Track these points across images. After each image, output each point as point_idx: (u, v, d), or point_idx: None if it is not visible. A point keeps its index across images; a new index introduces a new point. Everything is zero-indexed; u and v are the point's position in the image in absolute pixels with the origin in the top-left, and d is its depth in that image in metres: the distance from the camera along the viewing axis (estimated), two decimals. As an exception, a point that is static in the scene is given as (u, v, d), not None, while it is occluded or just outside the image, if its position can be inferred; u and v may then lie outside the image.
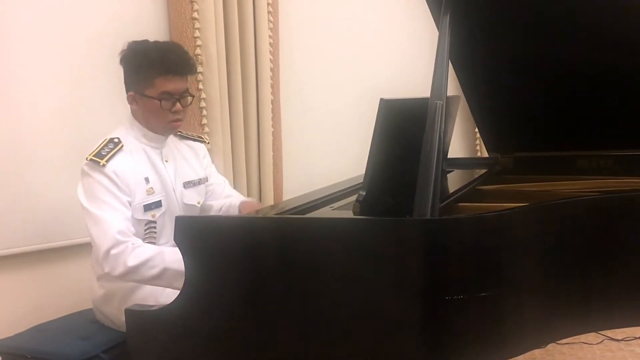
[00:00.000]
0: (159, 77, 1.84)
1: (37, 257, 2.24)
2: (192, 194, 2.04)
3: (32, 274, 2.24)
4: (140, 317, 1.53)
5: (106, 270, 1.73)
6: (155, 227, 1.91)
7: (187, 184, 2.03)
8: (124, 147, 1.85)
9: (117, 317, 1.88)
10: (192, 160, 2.09)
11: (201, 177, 2.09)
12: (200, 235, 1.48)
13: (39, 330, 1.97)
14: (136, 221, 1.84)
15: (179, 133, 2.09)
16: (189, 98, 1.94)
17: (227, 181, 2.23)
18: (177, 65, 1.86)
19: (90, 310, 2.04)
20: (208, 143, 2.25)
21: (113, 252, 1.71)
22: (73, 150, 2.22)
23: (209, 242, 1.47)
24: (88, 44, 2.30)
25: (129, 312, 1.54)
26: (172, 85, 1.86)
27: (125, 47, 1.90)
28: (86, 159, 1.79)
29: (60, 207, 2.24)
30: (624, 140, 2.20)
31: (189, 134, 2.16)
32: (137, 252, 1.72)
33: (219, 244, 1.46)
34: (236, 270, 1.44)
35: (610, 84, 2.05)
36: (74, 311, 2.11)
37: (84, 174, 1.81)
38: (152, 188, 1.89)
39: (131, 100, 1.90)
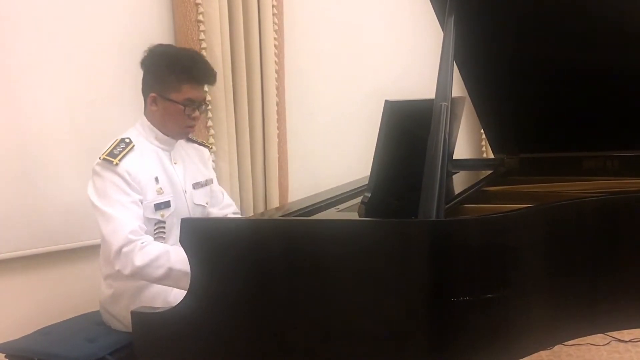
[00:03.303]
0: (187, 84, 1.89)
1: (44, 260, 2.24)
2: (201, 194, 2.07)
3: (39, 276, 2.25)
4: (146, 319, 1.54)
5: (117, 268, 1.75)
6: (164, 227, 1.93)
7: (196, 185, 2.05)
8: (134, 147, 1.87)
9: (124, 316, 1.88)
10: (199, 163, 2.12)
11: (207, 179, 2.12)
12: (206, 237, 1.49)
13: (45, 332, 1.97)
14: (147, 220, 1.86)
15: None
16: (204, 107, 2.01)
17: (225, 192, 2.25)
18: (206, 75, 1.93)
19: (96, 312, 2.05)
20: (211, 149, 2.28)
21: (124, 250, 1.73)
22: (80, 152, 2.23)
23: (214, 244, 1.48)
24: (93, 46, 2.31)
25: (135, 314, 1.55)
26: (197, 93, 1.92)
27: (150, 50, 1.93)
28: (99, 158, 1.81)
29: (67, 209, 2.24)
30: (631, 141, 2.19)
31: (195, 138, 2.20)
32: (145, 251, 1.73)
33: (224, 245, 1.47)
34: (242, 272, 1.45)
35: (617, 84, 2.05)
36: (80, 313, 2.12)
37: (95, 173, 1.82)
38: (161, 188, 1.91)
39: (151, 101, 1.92)
